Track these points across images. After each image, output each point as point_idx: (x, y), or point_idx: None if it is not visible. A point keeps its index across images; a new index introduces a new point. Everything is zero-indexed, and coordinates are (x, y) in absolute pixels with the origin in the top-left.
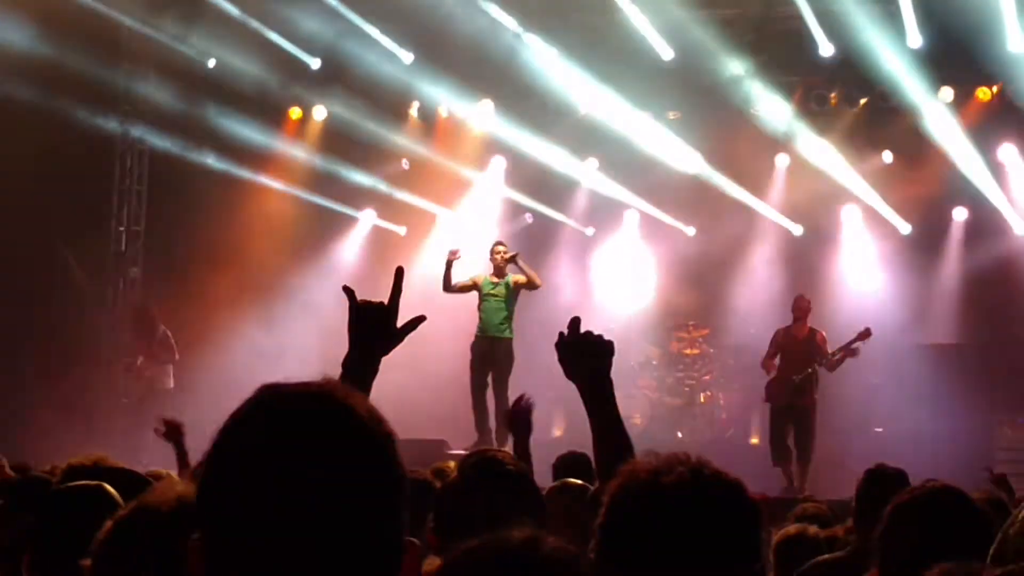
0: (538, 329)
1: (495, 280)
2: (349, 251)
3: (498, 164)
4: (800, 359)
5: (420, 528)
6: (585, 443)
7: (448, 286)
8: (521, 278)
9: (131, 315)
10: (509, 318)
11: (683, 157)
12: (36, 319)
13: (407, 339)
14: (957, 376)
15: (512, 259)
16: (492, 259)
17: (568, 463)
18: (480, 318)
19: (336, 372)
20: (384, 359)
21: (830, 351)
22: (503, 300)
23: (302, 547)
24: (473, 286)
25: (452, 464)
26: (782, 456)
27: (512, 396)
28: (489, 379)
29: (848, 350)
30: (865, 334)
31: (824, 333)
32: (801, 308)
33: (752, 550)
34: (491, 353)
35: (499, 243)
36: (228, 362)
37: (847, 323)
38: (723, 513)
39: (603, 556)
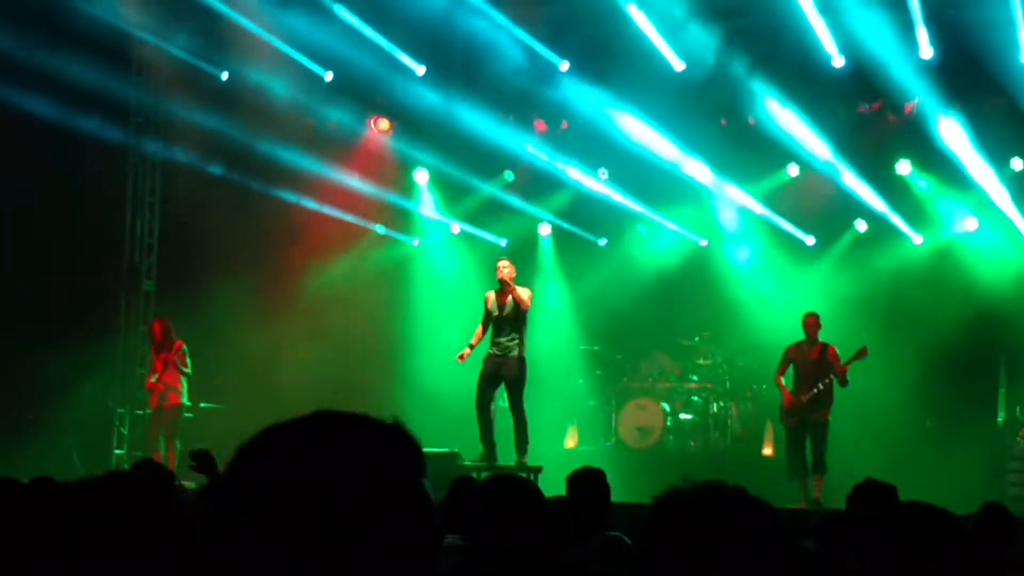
0: (549, 341)
1: (500, 298)
2: (362, 262)
3: (508, 176)
4: (810, 378)
5: None
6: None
7: (482, 336)
8: (523, 294)
9: (148, 329)
10: (516, 334)
11: (693, 168)
12: (51, 331)
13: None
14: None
15: (503, 282)
16: (498, 276)
17: (582, 477)
18: (491, 336)
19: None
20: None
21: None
22: (507, 318)
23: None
24: (487, 313)
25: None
26: (798, 474)
27: (529, 410)
28: (497, 395)
29: (842, 369)
30: (862, 353)
31: (835, 348)
32: (809, 326)
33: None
34: (500, 371)
35: (503, 260)
36: (244, 375)
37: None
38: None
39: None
